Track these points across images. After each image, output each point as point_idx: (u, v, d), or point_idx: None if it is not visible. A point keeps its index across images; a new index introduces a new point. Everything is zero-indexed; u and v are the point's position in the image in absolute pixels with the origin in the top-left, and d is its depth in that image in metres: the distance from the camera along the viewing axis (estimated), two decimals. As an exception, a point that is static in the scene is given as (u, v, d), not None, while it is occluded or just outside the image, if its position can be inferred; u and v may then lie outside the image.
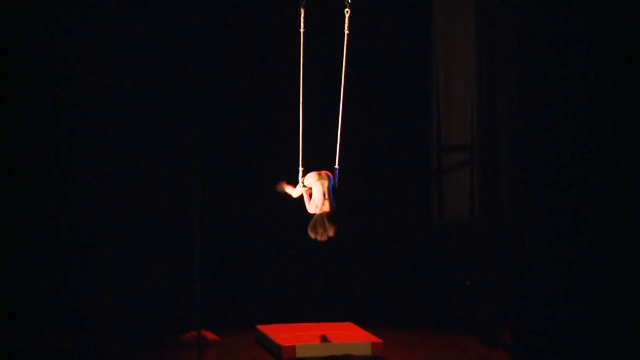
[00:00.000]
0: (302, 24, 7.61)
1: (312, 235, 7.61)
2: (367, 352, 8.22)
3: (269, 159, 9.94)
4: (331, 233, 7.60)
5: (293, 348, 8.14)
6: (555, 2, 9.48)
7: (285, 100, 8.95)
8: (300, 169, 7.98)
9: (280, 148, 9.61)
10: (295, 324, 8.94)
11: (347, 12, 7.64)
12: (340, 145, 8.01)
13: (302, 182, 7.86)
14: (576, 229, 9.53)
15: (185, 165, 9.32)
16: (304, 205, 7.86)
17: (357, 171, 9.88)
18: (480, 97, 9.67)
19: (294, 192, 7.93)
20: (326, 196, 7.68)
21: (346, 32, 7.72)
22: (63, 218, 9.03)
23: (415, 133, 10.36)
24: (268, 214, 9.98)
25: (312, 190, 7.80)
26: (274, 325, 8.90)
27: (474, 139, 9.81)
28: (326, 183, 7.77)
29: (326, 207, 7.67)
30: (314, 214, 7.68)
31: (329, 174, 7.81)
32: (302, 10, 7.55)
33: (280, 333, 8.55)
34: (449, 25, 10.16)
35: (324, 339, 8.34)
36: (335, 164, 8.01)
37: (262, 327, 8.87)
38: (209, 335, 8.86)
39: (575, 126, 9.55)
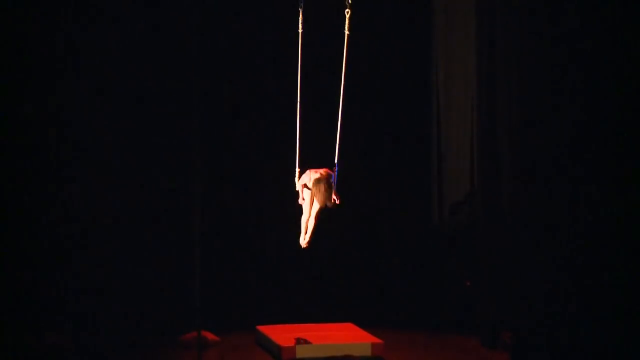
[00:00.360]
0: (300, 25, 7.60)
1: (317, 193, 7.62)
2: (367, 352, 8.22)
3: (269, 159, 9.95)
4: (334, 200, 7.60)
5: (293, 349, 8.14)
6: (555, 2, 9.49)
7: (286, 100, 8.93)
8: (297, 169, 7.99)
9: (280, 148, 9.60)
10: (295, 325, 8.94)
11: (348, 12, 7.62)
12: (339, 146, 8.02)
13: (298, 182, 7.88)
14: (576, 229, 9.53)
15: (186, 165, 9.33)
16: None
17: (357, 171, 9.88)
18: (480, 97, 9.67)
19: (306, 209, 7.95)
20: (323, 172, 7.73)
21: (346, 32, 7.71)
22: (63, 217, 9.02)
23: (415, 133, 10.35)
24: (268, 213, 9.98)
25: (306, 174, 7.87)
26: (274, 326, 8.90)
27: (473, 151, 9.83)
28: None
29: (323, 172, 7.69)
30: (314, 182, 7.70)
31: (329, 171, 7.83)
32: (301, 11, 7.54)
33: (280, 334, 8.55)
34: (449, 26, 10.16)
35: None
36: (333, 165, 8.02)
37: (262, 328, 8.87)
38: (209, 335, 8.87)
39: (575, 126, 9.55)
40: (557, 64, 9.51)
